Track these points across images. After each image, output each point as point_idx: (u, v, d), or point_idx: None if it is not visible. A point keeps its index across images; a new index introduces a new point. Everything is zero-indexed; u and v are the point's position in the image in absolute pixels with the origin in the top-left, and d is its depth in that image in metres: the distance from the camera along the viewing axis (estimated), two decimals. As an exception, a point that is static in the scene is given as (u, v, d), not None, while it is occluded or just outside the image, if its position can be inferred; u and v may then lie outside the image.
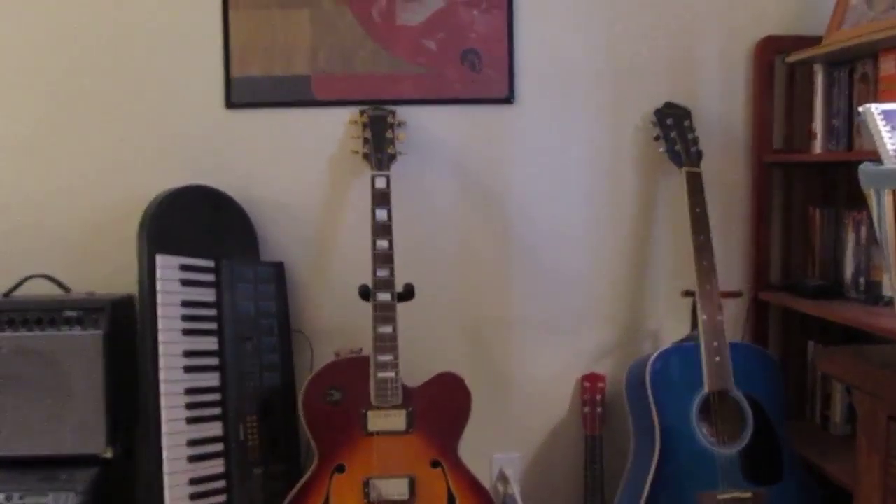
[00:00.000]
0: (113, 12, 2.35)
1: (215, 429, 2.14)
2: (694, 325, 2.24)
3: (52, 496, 2.03)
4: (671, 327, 2.49)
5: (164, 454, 2.04)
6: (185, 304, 2.14)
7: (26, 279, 2.26)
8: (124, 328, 2.21)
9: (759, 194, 2.45)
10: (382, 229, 2.18)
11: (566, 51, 2.44)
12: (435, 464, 2.13)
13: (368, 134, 2.28)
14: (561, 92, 2.44)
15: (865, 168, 1.50)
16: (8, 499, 2.03)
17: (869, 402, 1.58)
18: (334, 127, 2.41)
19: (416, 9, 2.39)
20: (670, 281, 2.49)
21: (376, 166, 2.25)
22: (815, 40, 2.26)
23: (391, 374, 2.12)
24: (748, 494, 2.07)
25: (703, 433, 2.11)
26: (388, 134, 2.29)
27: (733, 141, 2.48)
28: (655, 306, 2.51)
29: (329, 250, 2.45)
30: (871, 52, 2.11)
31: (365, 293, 2.17)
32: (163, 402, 2.05)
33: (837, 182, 2.40)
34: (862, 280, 2.17)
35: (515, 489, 2.48)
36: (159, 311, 2.08)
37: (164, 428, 2.05)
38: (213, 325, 2.19)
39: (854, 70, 2.19)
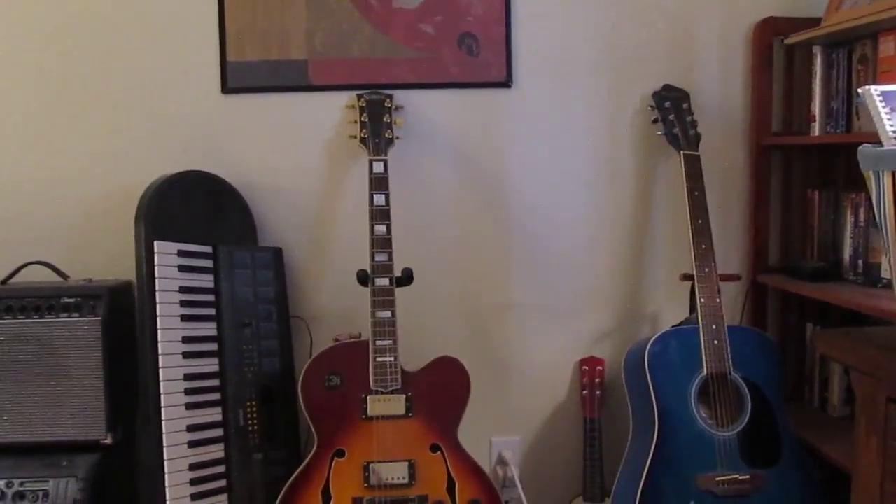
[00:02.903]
0: (107, -3, 2.34)
1: (215, 414, 2.15)
2: (692, 308, 2.24)
3: (53, 482, 2.04)
4: (670, 310, 2.50)
5: (164, 440, 2.04)
6: (184, 290, 2.14)
7: (24, 266, 2.25)
8: (123, 314, 2.21)
9: (758, 177, 2.44)
10: (380, 214, 2.18)
11: (564, 34, 2.42)
12: (434, 448, 2.13)
13: (366, 118, 2.28)
14: (559, 75, 2.43)
15: (864, 150, 1.50)
16: (9, 485, 2.03)
17: (868, 384, 1.59)
18: (331, 112, 2.40)
19: (413, -8, 2.38)
20: (669, 264, 2.49)
21: (374, 151, 2.24)
22: (814, 22, 2.25)
23: (390, 359, 2.12)
24: (746, 476, 2.08)
25: (701, 416, 2.12)
26: (386, 118, 2.28)
27: (732, 124, 2.47)
28: (654, 290, 2.51)
29: (327, 235, 2.44)
30: (871, 34, 2.10)
31: (363, 278, 2.16)
32: (162, 387, 2.05)
33: (836, 164, 2.39)
34: (860, 262, 2.17)
35: (515, 472, 2.49)
36: (158, 298, 2.08)
37: (164, 414, 2.05)
38: (211, 311, 2.19)
39: (853, 52, 2.18)
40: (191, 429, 2.09)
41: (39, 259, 2.30)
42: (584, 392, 2.45)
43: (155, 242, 2.11)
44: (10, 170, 2.37)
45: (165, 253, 2.12)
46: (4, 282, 2.23)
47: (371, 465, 2.10)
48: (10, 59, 2.35)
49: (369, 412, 2.12)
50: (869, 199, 1.60)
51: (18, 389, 2.10)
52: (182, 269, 2.15)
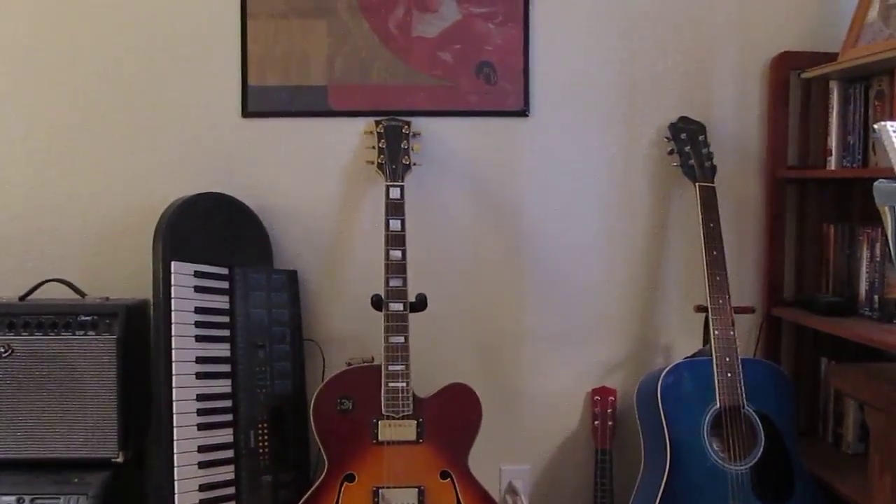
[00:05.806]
0: (131, 21, 2.38)
1: (226, 435, 2.15)
2: (706, 340, 2.23)
3: (64, 499, 2.04)
4: (683, 342, 2.49)
5: (175, 459, 2.05)
6: (199, 310, 2.15)
7: (42, 283, 2.28)
8: (138, 333, 2.22)
9: (773, 210, 2.44)
10: (396, 239, 2.19)
11: (581, 64, 2.44)
12: (444, 475, 2.13)
13: (383, 144, 2.30)
14: (576, 105, 2.45)
15: (880, 185, 1.50)
16: (20, 500, 2.04)
17: (882, 420, 1.58)
18: (349, 137, 2.43)
19: (433, 21, 2.41)
20: (683, 295, 2.49)
21: (391, 177, 2.26)
22: (831, 56, 2.26)
23: (402, 384, 2.13)
24: (759, 511, 2.06)
25: (713, 449, 2.10)
26: (403, 145, 2.30)
27: (748, 156, 2.48)
28: (667, 321, 2.51)
29: (342, 259, 2.46)
30: (887, 69, 2.10)
31: (377, 303, 2.17)
32: (175, 407, 2.06)
33: (852, 198, 2.39)
34: (876, 297, 2.16)
35: (524, 502, 2.47)
36: (173, 317, 2.10)
37: (176, 433, 2.06)
38: (225, 332, 2.20)
39: (870, 87, 2.19)
40: (202, 449, 2.10)
41: (58, 276, 2.32)
42: (596, 422, 2.44)
43: (172, 262, 2.12)
44: (32, 188, 2.41)
45: (182, 273, 2.14)
46: (23, 298, 2.25)
47: (381, 491, 2.09)
48: (34, 80, 2.39)
49: (380, 437, 2.12)
50: (885, 233, 1.60)
51: (32, 405, 2.11)
52: (198, 289, 2.17)
